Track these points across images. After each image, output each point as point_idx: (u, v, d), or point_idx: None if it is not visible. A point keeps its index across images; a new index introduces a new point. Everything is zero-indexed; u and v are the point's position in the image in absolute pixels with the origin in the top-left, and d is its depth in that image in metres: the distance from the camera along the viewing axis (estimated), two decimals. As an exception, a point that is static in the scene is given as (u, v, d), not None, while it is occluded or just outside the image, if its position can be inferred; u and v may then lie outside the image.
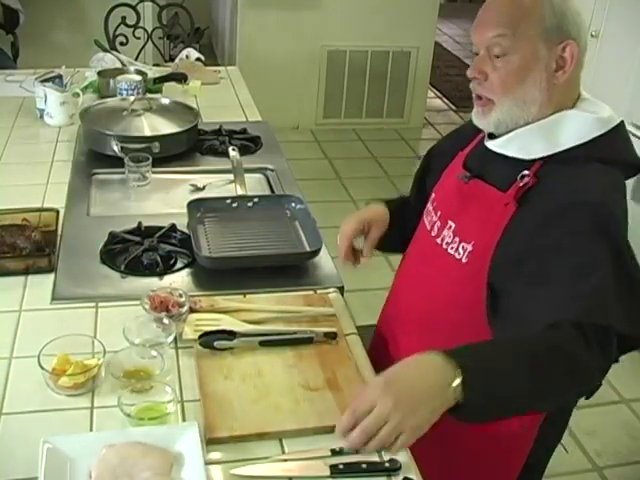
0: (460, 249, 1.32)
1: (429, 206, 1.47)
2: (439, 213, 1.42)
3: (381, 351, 1.52)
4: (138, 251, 1.67)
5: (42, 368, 1.27)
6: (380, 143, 4.85)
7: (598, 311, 1.14)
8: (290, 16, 4.68)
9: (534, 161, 1.26)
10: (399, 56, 4.98)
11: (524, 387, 1.09)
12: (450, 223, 1.37)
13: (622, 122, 1.29)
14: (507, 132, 1.29)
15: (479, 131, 1.37)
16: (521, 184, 1.24)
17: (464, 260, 1.31)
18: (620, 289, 1.16)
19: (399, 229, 1.61)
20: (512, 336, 1.20)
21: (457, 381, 1.03)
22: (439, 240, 1.39)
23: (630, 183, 2.92)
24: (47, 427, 1.20)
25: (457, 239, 1.33)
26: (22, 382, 1.30)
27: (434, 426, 1.06)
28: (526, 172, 1.24)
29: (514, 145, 1.28)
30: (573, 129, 1.25)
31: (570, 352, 1.11)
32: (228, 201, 1.85)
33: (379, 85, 5.03)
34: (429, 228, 1.44)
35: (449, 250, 1.35)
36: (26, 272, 1.60)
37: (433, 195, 1.48)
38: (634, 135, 2.87)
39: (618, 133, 1.27)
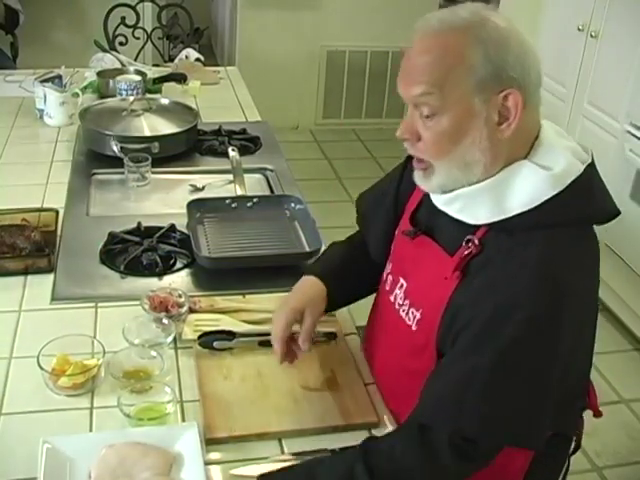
0: (410, 314, 1.21)
1: (392, 246, 1.34)
2: (391, 265, 1.31)
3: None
4: (138, 251, 1.67)
5: (41, 368, 1.27)
6: (380, 143, 4.85)
7: (456, 417, 1.06)
8: (290, 16, 4.68)
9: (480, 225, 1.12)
10: (399, 56, 4.94)
11: None
12: (402, 281, 1.25)
13: (588, 166, 1.11)
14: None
15: None
16: (465, 252, 1.11)
17: (414, 328, 1.20)
18: (496, 393, 1.05)
19: (350, 283, 1.42)
20: (333, 457, 1.14)
21: None
22: (392, 298, 1.28)
23: (630, 184, 2.89)
24: (47, 427, 1.21)
25: (407, 302, 1.23)
26: (22, 382, 1.30)
27: None
28: (472, 238, 1.11)
29: (458, 206, 1.13)
30: (522, 193, 1.08)
31: (402, 472, 1.07)
32: (228, 201, 1.85)
33: (379, 85, 5.03)
34: (384, 278, 1.33)
35: (401, 313, 1.24)
36: (26, 272, 1.60)
37: (396, 233, 1.33)
38: (634, 135, 2.87)
39: (578, 187, 1.08)
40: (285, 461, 1.16)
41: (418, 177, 1.18)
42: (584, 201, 1.10)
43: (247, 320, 1.46)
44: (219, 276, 1.61)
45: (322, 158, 4.64)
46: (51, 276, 1.60)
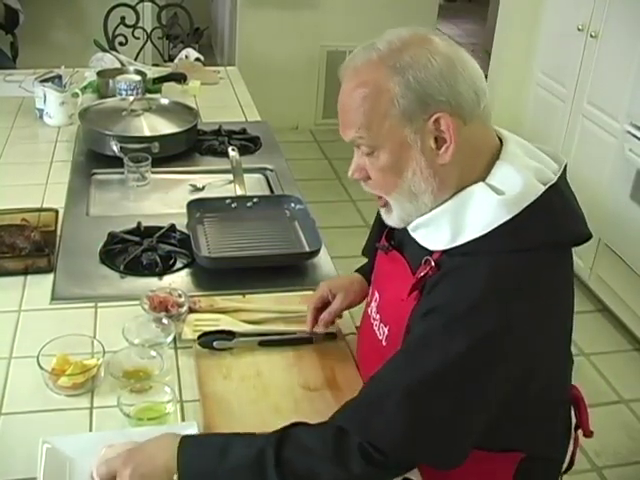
0: (381, 329, 1.22)
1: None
2: (373, 277, 1.32)
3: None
4: (137, 251, 1.67)
5: (41, 368, 1.27)
6: (379, 143, 4.85)
7: (364, 428, 1.04)
8: (290, 16, 4.68)
9: None
10: (398, 56, 4.97)
11: None
12: (376, 295, 1.27)
13: (551, 187, 1.07)
14: None
15: None
16: (422, 273, 1.10)
17: (384, 343, 1.21)
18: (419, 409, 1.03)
19: None
20: (255, 436, 1.11)
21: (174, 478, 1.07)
22: (369, 310, 1.29)
23: (630, 184, 2.89)
24: (46, 427, 1.21)
25: (379, 316, 1.24)
26: (21, 382, 1.30)
27: None
28: (429, 259, 1.10)
29: (421, 234, 1.14)
30: (475, 217, 1.06)
31: (306, 469, 1.05)
32: (227, 201, 1.85)
33: (378, 85, 5.03)
34: (370, 290, 1.34)
35: (374, 327, 1.25)
36: (25, 272, 1.60)
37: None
38: (634, 135, 2.87)
39: (533, 211, 1.04)
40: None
41: (382, 213, 1.19)
42: (540, 226, 1.05)
43: (247, 320, 1.46)
44: (219, 276, 1.61)
45: (322, 158, 4.65)
46: (51, 276, 1.60)
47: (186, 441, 1.09)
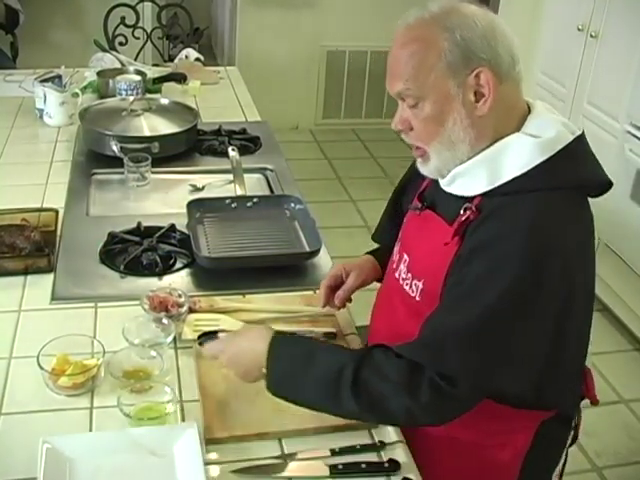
0: (413, 286, 1.27)
1: (399, 235, 1.42)
2: (399, 245, 1.38)
3: None
4: (137, 251, 1.67)
5: (41, 368, 1.27)
6: (379, 143, 4.85)
7: (438, 356, 1.12)
8: (289, 16, 4.68)
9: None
10: (399, 56, 4.97)
11: (316, 403, 1.20)
12: (405, 257, 1.32)
13: (577, 137, 1.18)
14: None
15: None
16: (463, 218, 1.18)
17: (417, 298, 1.26)
18: (480, 339, 1.11)
19: None
20: (332, 352, 1.22)
21: (264, 370, 1.20)
22: (397, 274, 1.34)
23: (630, 183, 2.90)
24: (46, 427, 1.21)
25: (410, 275, 1.29)
26: (21, 382, 1.30)
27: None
28: (469, 205, 1.18)
29: (457, 184, 1.22)
30: (513, 159, 1.16)
31: (379, 393, 1.14)
32: (227, 201, 1.85)
33: (378, 85, 5.02)
34: (393, 258, 1.39)
35: (404, 286, 1.30)
36: (25, 272, 1.60)
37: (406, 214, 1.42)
38: (634, 135, 2.87)
39: (568, 153, 1.16)
40: (285, 461, 1.17)
41: (418, 164, 1.28)
42: (573, 167, 1.17)
43: (247, 320, 1.46)
44: (219, 276, 1.61)
45: (322, 158, 4.65)
46: (51, 276, 1.60)
47: (277, 340, 1.21)
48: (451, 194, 1.23)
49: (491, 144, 1.18)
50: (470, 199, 1.19)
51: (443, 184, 1.25)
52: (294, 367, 1.19)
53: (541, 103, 1.25)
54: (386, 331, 1.37)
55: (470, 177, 1.19)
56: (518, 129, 1.19)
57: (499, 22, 1.17)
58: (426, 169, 1.26)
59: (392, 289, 1.36)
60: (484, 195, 1.18)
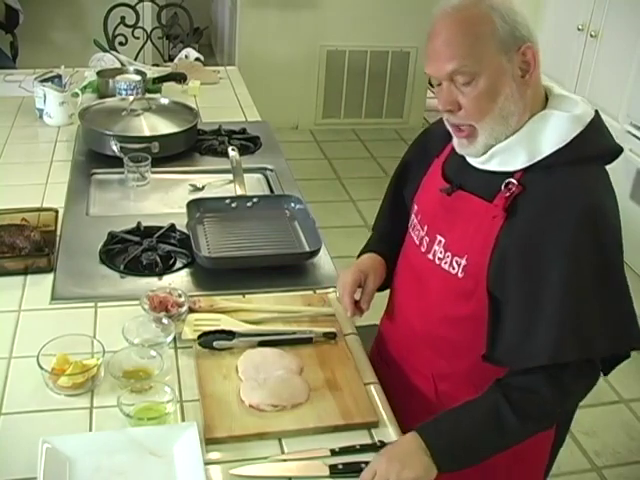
0: (454, 264, 1.29)
1: (414, 219, 1.43)
2: (426, 227, 1.38)
3: (384, 359, 1.51)
4: (137, 251, 1.67)
5: (41, 368, 1.27)
6: (379, 143, 4.85)
7: (586, 346, 1.18)
8: (289, 16, 4.68)
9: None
10: (398, 56, 4.98)
11: (491, 451, 1.24)
12: (439, 238, 1.33)
13: (596, 112, 1.27)
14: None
15: (450, 135, 1.32)
16: (507, 194, 1.22)
17: (460, 275, 1.28)
18: (605, 309, 1.19)
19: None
20: (482, 402, 1.23)
21: (434, 472, 1.18)
22: (430, 256, 1.35)
23: (630, 183, 2.90)
24: (46, 427, 1.20)
25: (449, 254, 1.31)
26: (21, 382, 1.30)
27: None
28: (512, 180, 1.23)
29: (496, 161, 1.26)
30: (552, 134, 1.23)
31: (541, 409, 1.22)
32: (227, 201, 1.85)
33: (378, 85, 5.03)
34: (418, 243, 1.40)
35: (443, 265, 1.31)
36: (25, 272, 1.60)
37: (416, 207, 1.43)
38: (634, 135, 2.87)
39: (594, 126, 1.25)
40: (285, 461, 1.17)
41: (461, 145, 1.30)
42: (603, 137, 1.26)
43: (247, 320, 1.46)
44: (219, 276, 1.61)
45: (322, 158, 4.65)
46: (51, 276, 1.60)
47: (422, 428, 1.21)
48: (485, 171, 1.27)
49: (527, 120, 1.24)
50: (510, 174, 1.24)
51: (478, 162, 1.29)
52: (453, 436, 1.20)
53: (554, 85, 1.32)
54: (420, 313, 1.39)
55: (510, 153, 1.24)
56: (544, 107, 1.26)
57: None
58: (470, 149, 1.28)
59: (425, 270, 1.37)
60: (524, 171, 1.23)
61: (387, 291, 1.52)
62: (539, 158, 1.22)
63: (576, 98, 1.28)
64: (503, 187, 1.23)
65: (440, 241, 1.33)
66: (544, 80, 1.29)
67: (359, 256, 1.55)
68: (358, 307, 1.46)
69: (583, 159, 1.22)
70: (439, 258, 1.33)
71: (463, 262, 1.28)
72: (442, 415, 1.24)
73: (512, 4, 1.21)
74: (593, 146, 1.24)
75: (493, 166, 1.26)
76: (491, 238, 1.23)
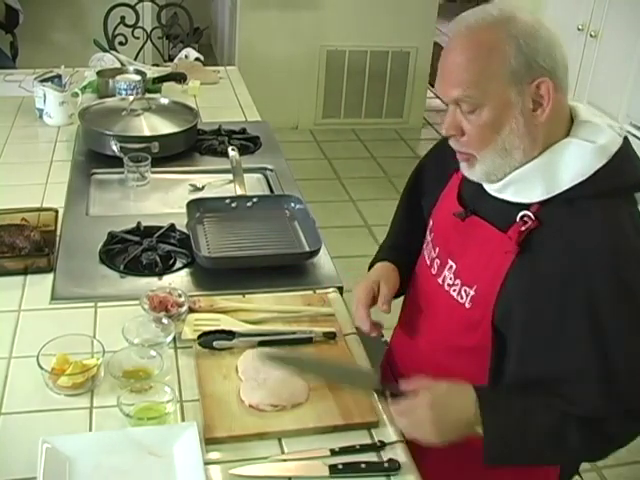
0: (463, 293, 1.25)
1: (428, 236, 1.39)
2: (437, 249, 1.34)
3: (393, 372, 1.49)
4: (137, 251, 1.66)
5: (41, 368, 1.27)
6: (379, 143, 4.85)
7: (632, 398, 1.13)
8: (289, 16, 4.68)
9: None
10: (398, 56, 4.98)
11: (540, 460, 1.21)
12: (450, 263, 1.29)
13: (625, 140, 1.19)
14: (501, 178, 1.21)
15: None
16: (522, 228, 1.16)
17: (467, 305, 1.24)
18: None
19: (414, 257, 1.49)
20: (548, 408, 1.17)
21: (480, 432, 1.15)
22: (440, 280, 1.31)
23: None
24: (46, 427, 1.20)
25: (459, 282, 1.26)
26: (21, 382, 1.30)
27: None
28: (527, 213, 1.16)
29: (511, 190, 1.20)
30: (572, 166, 1.15)
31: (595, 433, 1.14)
32: (227, 201, 1.85)
33: (378, 85, 5.03)
34: (429, 263, 1.36)
35: (452, 292, 1.28)
36: (25, 272, 1.60)
37: (431, 223, 1.39)
38: (634, 135, 2.87)
39: (622, 156, 1.16)
40: (284, 461, 1.17)
41: (463, 167, 1.24)
42: (630, 169, 1.17)
43: (247, 320, 1.46)
44: (219, 276, 1.61)
45: (322, 158, 4.65)
46: (50, 276, 1.60)
47: (485, 396, 1.16)
48: (499, 200, 1.21)
49: (543, 150, 1.17)
50: (525, 207, 1.17)
51: (493, 190, 1.23)
52: (509, 436, 1.16)
53: (582, 106, 1.24)
54: (426, 335, 1.36)
55: (525, 184, 1.17)
56: (567, 134, 1.18)
57: (555, 33, 1.16)
58: (471, 173, 1.23)
59: (434, 294, 1.33)
60: (541, 204, 1.16)
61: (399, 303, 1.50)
62: (556, 192, 1.15)
63: (603, 124, 1.20)
64: (518, 219, 1.17)
65: (451, 266, 1.29)
66: (572, 100, 1.22)
67: (371, 265, 1.51)
68: (375, 326, 1.38)
69: (608, 192, 1.14)
70: (449, 284, 1.29)
71: (472, 292, 1.23)
72: (510, 400, 1.18)
73: (537, 30, 1.13)
74: (620, 178, 1.15)
75: (508, 195, 1.20)
76: (502, 272, 1.18)
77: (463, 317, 1.25)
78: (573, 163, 1.15)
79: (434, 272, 1.34)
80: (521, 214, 1.17)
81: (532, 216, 1.16)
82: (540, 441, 1.15)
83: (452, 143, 1.22)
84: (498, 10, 1.14)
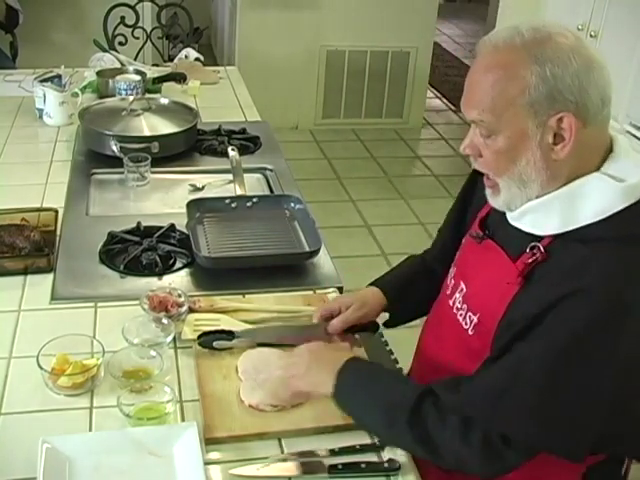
0: (467, 319, 1.22)
1: (455, 257, 1.35)
2: (454, 270, 1.32)
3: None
4: (137, 251, 1.66)
5: (41, 368, 1.27)
6: (379, 143, 4.85)
7: (502, 421, 1.07)
8: (289, 16, 4.68)
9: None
10: (398, 56, 4.98)
11: (375, 427, 1.20)
12: (462, 285, 1.26)
13: None
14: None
15: None
16: (529, 260, 1.10)
17: (470, 332, 1.21)
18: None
19: (414, 301, 1.47)
20: (400, 381, 1.23)
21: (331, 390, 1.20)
22: (451, 302, 1.29)
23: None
24: (46, 427, 1.20)
25: (465, 306, 1.24)
26: (21, 382, 1.30)
27: None
28: (538, 245, 1.11)
29: (527, 219, 1.14)
30: (593, 203, 1.07)
31: (434, 432, 1.11)
32: (227, 201, 1.85)
33: (378, 85, 5.03)
34: (447, 282, 1.33)
35: (458, 317, 1.25)
36: (25, 272, 1.60)
37: (463, 241, 1.34)
38: (634, 135, 2.87)
39: None
40: (284, 461, 1.17)
41: (488, 194, 1.20)
42: None
43: (247, 320, 1.46)
44: (219, 276, 1.61)
45: (322, 158, 4.65)
46: (50, 276, 1.60)
47: (351, 360, 1.22)
48: (515, 228, 1.17)
49: (566, 183, 1.10)
50: (538, 238, 1.12)
51: (511, 218, 1.18)
52: (360, 380, 1.20)
53: (624, 139, 1.16)
54: (432, 357, 1.34)
55: (542, 215, 1.12)
56: (598, 167, 1.10)
57: (598, 60, 1.07)
58: (495, 201, 1.18)
59: (445, 316, 1.31)
60: (553, 238, 1.11)
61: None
62: (572, 227, 1.08)
63: None
64: (528, 249, 1.12)
65: (462, 289, 1.26)
66: (612, 130, 1.14)
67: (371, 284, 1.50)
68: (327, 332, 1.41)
69: (626, 237, 1.05)
70: (457, 308, 1.26)
71: (475, 320, 1.21)
72: (372, 364, 1.27)
73: (571, 57, 1.04)
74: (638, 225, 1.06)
75: (523, 225, 1.15)
76: (504, 303, 1.13)
77: (466, 344, 1.22)
78: (595, 200, 1.07)
79: (448, 292, 1.32)
80: (531, 245, 1.12)
81: (542, 249, 1.10)
82: (379, 405, 1.16)
83: (472, 162, 1.18)
84: (532, 31, 1.07)
